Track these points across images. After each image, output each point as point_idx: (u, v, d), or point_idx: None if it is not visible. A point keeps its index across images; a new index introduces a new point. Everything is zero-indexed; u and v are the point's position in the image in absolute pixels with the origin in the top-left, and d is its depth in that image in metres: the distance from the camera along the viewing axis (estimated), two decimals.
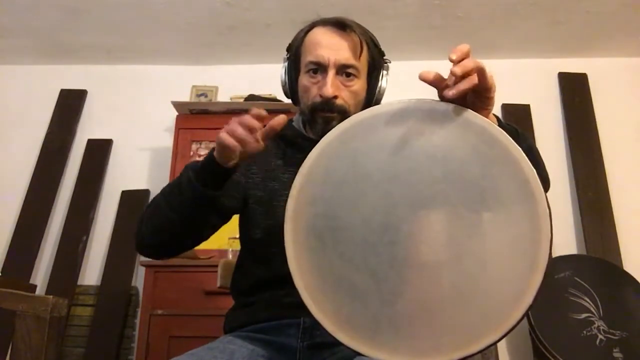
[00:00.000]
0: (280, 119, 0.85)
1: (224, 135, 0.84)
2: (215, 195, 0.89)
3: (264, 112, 0.85)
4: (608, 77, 2.86)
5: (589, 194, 2.63)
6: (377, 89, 1.05)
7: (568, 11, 2.51)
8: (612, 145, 2.74)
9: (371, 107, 0.80)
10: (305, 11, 2.47)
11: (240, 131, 0.83)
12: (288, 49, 1.09)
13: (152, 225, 0.96)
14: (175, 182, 0.94)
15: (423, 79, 0.75)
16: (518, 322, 0.67)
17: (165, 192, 0.96)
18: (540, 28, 2.66)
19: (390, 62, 1.07)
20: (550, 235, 0.68)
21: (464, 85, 0.73)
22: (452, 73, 0.72)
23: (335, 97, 0.98)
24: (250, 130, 0.84)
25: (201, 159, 1.03)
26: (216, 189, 0.89)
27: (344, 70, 0.99)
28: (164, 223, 0.94)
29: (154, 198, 0.99)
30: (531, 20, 2.58)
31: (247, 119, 0.84)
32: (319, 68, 0.99)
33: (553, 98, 2.87)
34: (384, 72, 1.06)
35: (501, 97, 2.75)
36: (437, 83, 0.76)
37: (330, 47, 0.99)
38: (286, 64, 1.08)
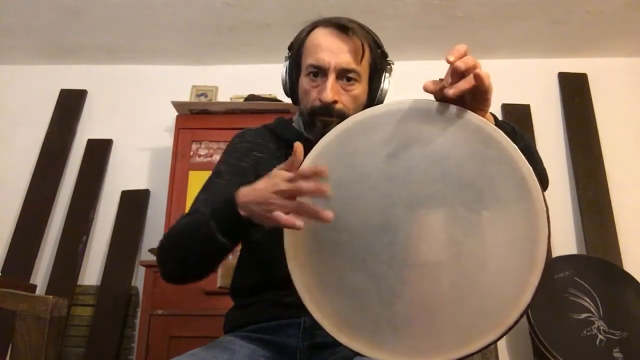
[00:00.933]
0: (297, 150, 0.77)
1: (269, 215, 0.75)
2: (240, 240, 0.90)
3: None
4: (608, 77, 2.86)
5: (589, 194, 2.63)
6: (379, 91, 1.04)
7: (568, 11, 2.51)
8: (612, 145, 2.74)
9: (369, 108, 0.80)
10: (305, 11, 2.48)
11: (290, 206, 0.75)
12: (290, 48, 1.08)
13: (178, 266, 0.97)
14: (197, 229, 0.90)
15: (425, 89, 0.76)
16: (517, 321, 0.67)
17: (186, 235, 0.93)
18: (540, 28, 2.66)
19: (393, 64, 1.07)
20: (547, 232, 0.68)
21: (464, 84, 0.73)
22: (456, 68, 0.72)
23: (335, 102, 0.97)
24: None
25: (216, 175, 1.03)
26: (241, 235, 0.89)
27: (344, 74, 0.98)
28: (189, 264, 0.95)
29: (171, 235, 0.97)
30: (531, 20, 2.58)
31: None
32: (320, 72, 0.99)
33: (553, 98, 2.87)
34: (386, 74, 1.05)
35: (501, 97, 2.76)
36: (436, 87, 0.76)
37: (331, 50, 0.98)
38: (287, 63, 1.07)
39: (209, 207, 0.90)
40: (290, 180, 0.74)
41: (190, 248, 0.91)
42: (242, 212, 0.81)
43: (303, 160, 0.80)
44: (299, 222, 0.72)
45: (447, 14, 2.54)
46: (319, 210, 0.72)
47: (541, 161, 0.93)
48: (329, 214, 0.71)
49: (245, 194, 0.81)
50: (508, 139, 0.72)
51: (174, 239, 0.97)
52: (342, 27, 0.99)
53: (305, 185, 0.73)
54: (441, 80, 0.76)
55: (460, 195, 0.72)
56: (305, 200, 0.75)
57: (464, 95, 0.74)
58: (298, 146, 0.77)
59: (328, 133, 0.80)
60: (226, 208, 0.84)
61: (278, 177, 0.76)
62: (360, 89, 1.01)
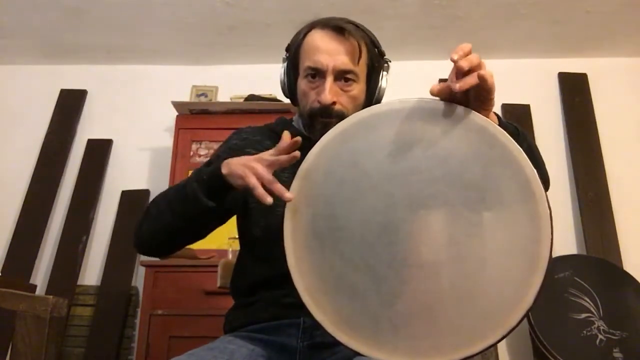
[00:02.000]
0: (285, 136, 0.85)
1: (247, 174, 0.83)
2: (218, 205, 0.91)
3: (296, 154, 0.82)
4: (608, 77, 2.86)
5: (589, 194, 2.63)
6: (377, 89, 1.05)
7: (568, 11, 2.51)
8: (612, 145, 2.74)
9: (371, 107, 0.80)
10: (305, 11, 2.48)
11: (266, 176, 0.82)
12: (287, 50, 1.08)
13: (153, 228, 0.99)
14: (179, 189, 0.95)
15: (432, 93, 0.76)
16: (518, 323, 0.67)
17: (168, 197, 0.98)
18: (540, 28, 2.66)
19: (390, 62, 1.07)
20: (550, 235, 0.68)
21: (471, 79, 0.72)
22: (458, 68, 0.72)
23: (334, 103, 0.98)
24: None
25: (205, 165, 1.04)
26: (220, 198, 0.91)
27: (342, 75, 0.99)
28: (165, 227, 0.97)
29: (154, 199, 1.01)
30: (531, 20, 2.58)
31: (271, 162, 0.83)
32: (317, 73, 0.99)
33: (553, 98, 2.87)
34: (384, 72, 1.06)
35: (501, 97, 2.75)
36: (443, 89, 0.76)
37: (329, 52, 0.98)
38: (285, 64, 1.07)
39: (193, 172, 0.96)
40: (272, 154, 0.84)
41: (173, 212, 0.94)
42: (223, 170, 0.87)
43: (303, 159, 0.80)
44: (269, 198, 0.79)
45: (447, 14, 2.54)
46: (284, 191, 0.79)
47: (543, 164, 0.93)
48: (289, 195, 0.79)
49: (232, 158, 0.89)
50: (512, 140, 0.72)
51: (157, 205, 0.99)
52: (338, 28, 1.00)
53: (283, 157, 0.81)
54: (445, 80, 0.76)
55: (462, 195, 0.72)
56: (304, 196, 0.77)
57: (467, 94, 0.74)
58: (286, 134, 0.83)
59: (329, 131, 0.80)
60: (208, 167, 0.92)
61: (264, 153, 0.86)
62: (358, 90, 1.01)
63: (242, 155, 1.06)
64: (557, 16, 2.55)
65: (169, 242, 1.01)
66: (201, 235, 1.01)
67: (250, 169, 0.83)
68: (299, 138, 0.83)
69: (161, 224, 0.97)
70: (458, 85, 0.72)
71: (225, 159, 1.04)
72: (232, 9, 2.52)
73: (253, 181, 0.81)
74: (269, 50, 2.78)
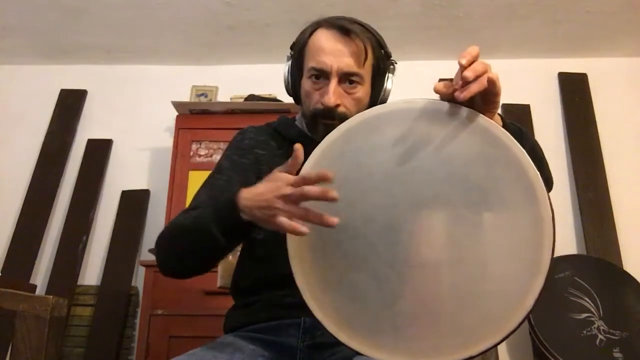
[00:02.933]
0: (297, 152, 0.76)
1: (273, 221, 0.74)
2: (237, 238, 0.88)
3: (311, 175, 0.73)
4: (608, 77, 2.86)
5: (589, 194, 2.63)
6: (382, 91, 1.04)
7: (568, 11, 2.51)
8: (612, 145, 2.74)
9: (375, 107, 0.80)
10: (305, 11, 2.48)
11: (297, 211, 0.73)
12: (292, 48, 1.08)
13: (179, 260, 0.95)
14: (200, 234, 0.87)
15: (436, 91, 0.75)
16: (518, 326, 0.66)
17: (189, 235, 0.91)
18: (540, 28, 2.65)
19: (396, 63, 1.07)
20: (552, 238, 0.67)
21: (475, 87, 0.72)
22: (464, 78, 0.71)
23: (337, 105, 0.97)
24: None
25: (215, 174, 1.02)
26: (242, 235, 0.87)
27: (347, 78, 0.98)
28: (191, 260, 0.93)
29: (172, 233, 0.96)
30: (531, 20, 2.58)
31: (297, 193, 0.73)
32: (322, 75, 0.99)
33: (553, 98, 2.87)
34: (390, 74, 1.05)
35: (501, 97, 2.76)
36: (448, 90, 0.75)
37: (333, 53, 0.97)
38: (289, 62, 1.07)
39: (211, 208, 0.88)
40: (293, 184, 0.73)
41: (192, 249, 0.91)
42: (244, 217, 0.80)
43: (306, 159, 0.80)
44: (304, 228, 0.71)
45: (448, 14, 2.54)
46: (324, 216, 0.70)
47: (546, 162, 0.93)
48: (333, 220, 0.70)
49: (248, 197, 0.80)
50: (516, 142, 0.71)
51: (175, 237, 0.95)
52: (344, 29, 0.98)
53: (310, 190, 0.71)
54: (451, 80, 0.75)
55: (464, 196, 0.72)
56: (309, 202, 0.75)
57: (474, 97, 0.74)
58: (298, 148, 0.76)
59: (333, 131, 0.80)
60: (228, 212, 0.82)
61: (280, 181, 0.75)
62: (362, 92, 1.00)
63: (253, 156, 1.06)
64: (557, 16, 2.55)
65: (197, 272, 0.96)
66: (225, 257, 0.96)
67: (274, 211, 0.74)
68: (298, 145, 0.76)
69: (186, 260, 0.93)
70: (462, 95, 0.72)
71: (239, 161, 1.03)
72: (232, 9, 2.52)
73: (285, 223, 0.72)
74: (269, 50, 2.78)
